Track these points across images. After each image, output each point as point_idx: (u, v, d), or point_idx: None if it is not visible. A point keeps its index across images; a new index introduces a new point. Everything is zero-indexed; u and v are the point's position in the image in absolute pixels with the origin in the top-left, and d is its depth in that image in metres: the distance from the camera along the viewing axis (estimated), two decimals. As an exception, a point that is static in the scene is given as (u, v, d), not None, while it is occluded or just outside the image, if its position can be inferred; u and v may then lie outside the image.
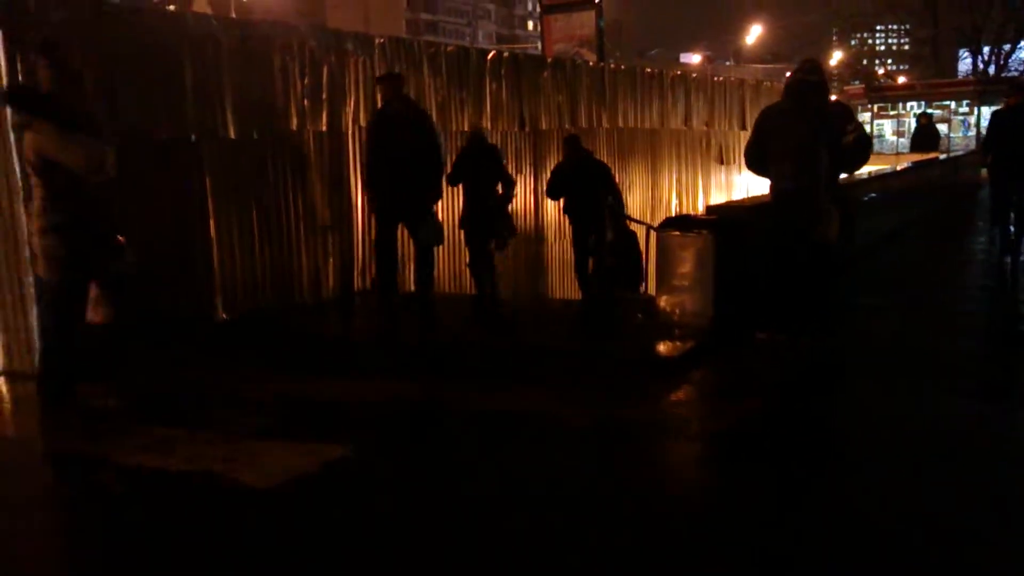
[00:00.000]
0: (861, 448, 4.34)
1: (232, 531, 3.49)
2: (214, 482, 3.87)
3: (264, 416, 4.80)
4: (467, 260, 8.22)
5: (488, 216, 7.78)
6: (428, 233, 7.04)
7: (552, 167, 9.42)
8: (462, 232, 8.02)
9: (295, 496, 3.77)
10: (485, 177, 7.72)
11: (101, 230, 4.68)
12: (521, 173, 9.76)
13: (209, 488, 3.84)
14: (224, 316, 6.58)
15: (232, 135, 6.60)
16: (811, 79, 5.90)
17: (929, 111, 22.13)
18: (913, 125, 29.29)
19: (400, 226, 7.10)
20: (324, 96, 7.39)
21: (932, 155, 15.91)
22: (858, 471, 4.01)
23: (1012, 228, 9.42)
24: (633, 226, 9.75)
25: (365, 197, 7.50)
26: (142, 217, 5.99)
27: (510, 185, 7.94)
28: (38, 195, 4.54)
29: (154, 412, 4.85)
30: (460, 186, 7.80)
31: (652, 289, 7.18)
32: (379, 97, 7.25)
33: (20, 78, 5.30)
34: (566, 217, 8.80)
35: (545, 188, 8.93)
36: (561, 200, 8.70)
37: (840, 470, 4.05)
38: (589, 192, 8.34)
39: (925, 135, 17.52)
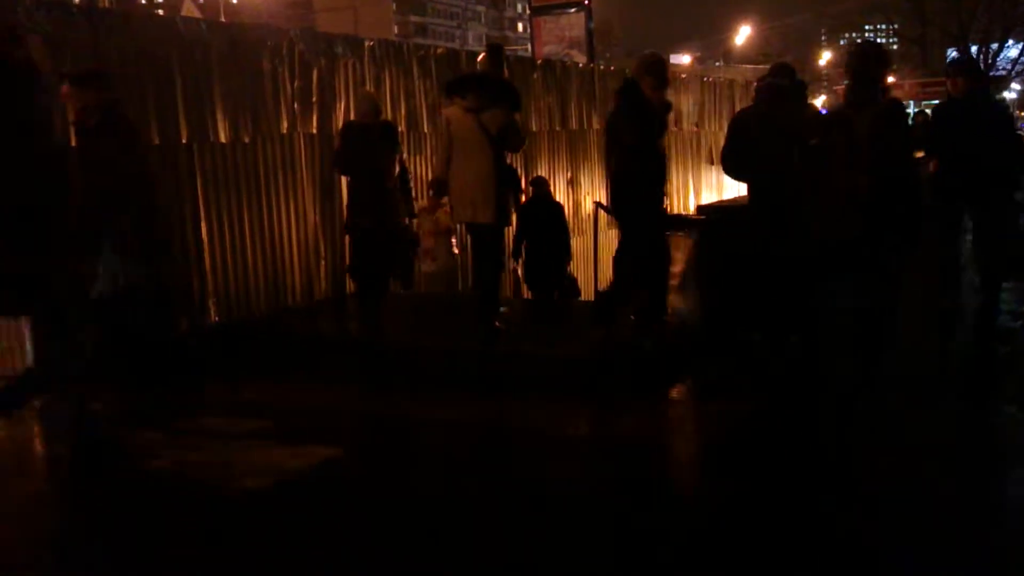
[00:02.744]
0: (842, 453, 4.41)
1: (227, 531, 3.52)
2: (206, 484, 3.89)
3: (255, 420, 4.80)
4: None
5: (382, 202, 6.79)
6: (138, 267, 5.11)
7: (541, 170, 9.54)
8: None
9: (288, 496, 3.80)
10: (378, 161, 6.83)
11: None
12: (511, 175, 9.77)
13: (201, 491, 3.85)
14: (216, 319, 6.58)
15: (223, 139, 6.60)
16: (783, 83, 5.92)
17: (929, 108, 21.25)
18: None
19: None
20: (314, 99, 7.39)
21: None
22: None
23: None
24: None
25: None
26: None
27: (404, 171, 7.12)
28: (492, 160, 5.89)
29: (143, 416, 4.85)
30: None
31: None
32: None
33: None
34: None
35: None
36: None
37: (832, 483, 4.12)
38: None
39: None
